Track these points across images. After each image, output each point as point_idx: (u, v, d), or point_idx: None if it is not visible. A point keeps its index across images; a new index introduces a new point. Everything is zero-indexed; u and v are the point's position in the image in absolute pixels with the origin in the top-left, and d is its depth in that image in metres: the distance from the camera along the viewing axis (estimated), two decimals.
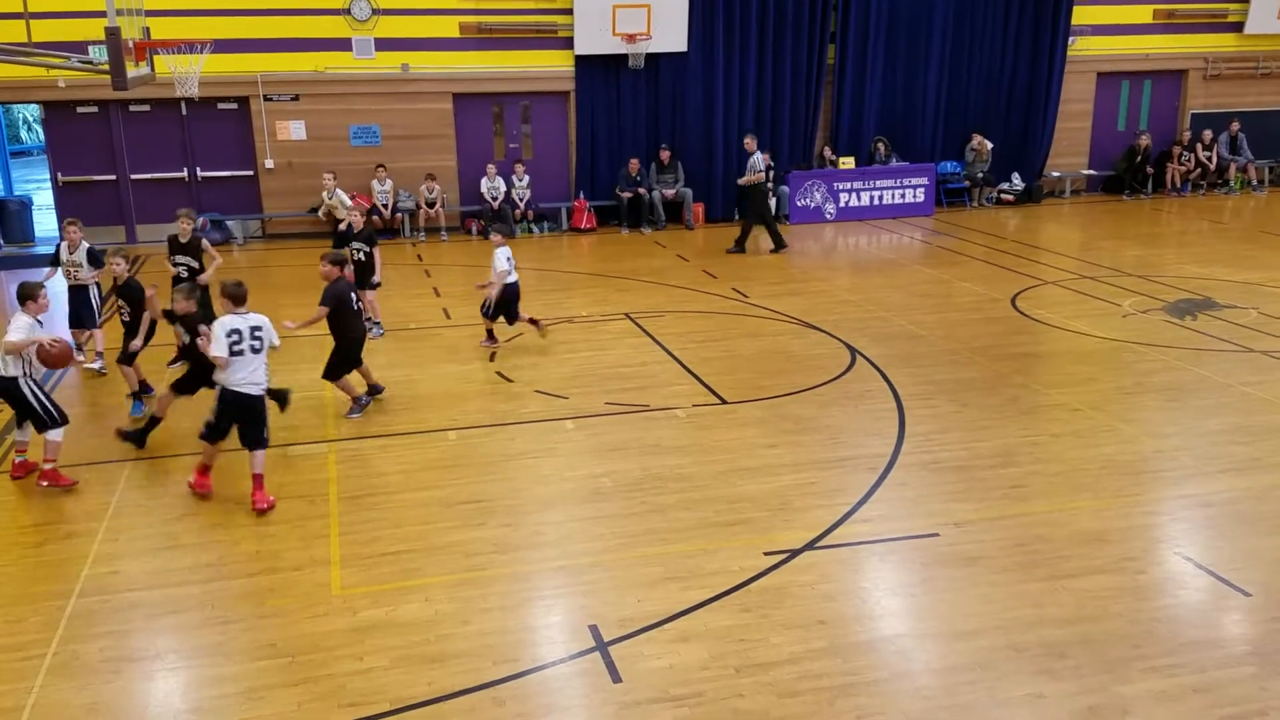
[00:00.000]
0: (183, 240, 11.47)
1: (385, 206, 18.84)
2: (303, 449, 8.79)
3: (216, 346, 7.54)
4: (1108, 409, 9.60)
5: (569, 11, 18.85)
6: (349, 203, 16.18)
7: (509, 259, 11.40)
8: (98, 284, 11.54)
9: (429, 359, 11.54)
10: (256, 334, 7.64)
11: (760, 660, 5.78)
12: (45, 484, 8.20)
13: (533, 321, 11.76)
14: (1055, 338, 11.94)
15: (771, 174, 18.30)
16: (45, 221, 19.67)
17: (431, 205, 18.86)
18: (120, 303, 10.25)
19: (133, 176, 18.53)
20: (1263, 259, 15.76)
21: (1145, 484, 8.08)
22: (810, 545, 7.11)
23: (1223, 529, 7.30)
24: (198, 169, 18.76)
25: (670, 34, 19.08)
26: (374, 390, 9.97)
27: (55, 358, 8.08)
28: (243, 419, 7.78)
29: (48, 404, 8.14)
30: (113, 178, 18.48)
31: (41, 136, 21.00)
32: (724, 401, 9.99)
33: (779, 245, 17.06)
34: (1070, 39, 21.27)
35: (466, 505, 7.80)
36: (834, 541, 7.17)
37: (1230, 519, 7.43)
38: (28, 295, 8.10)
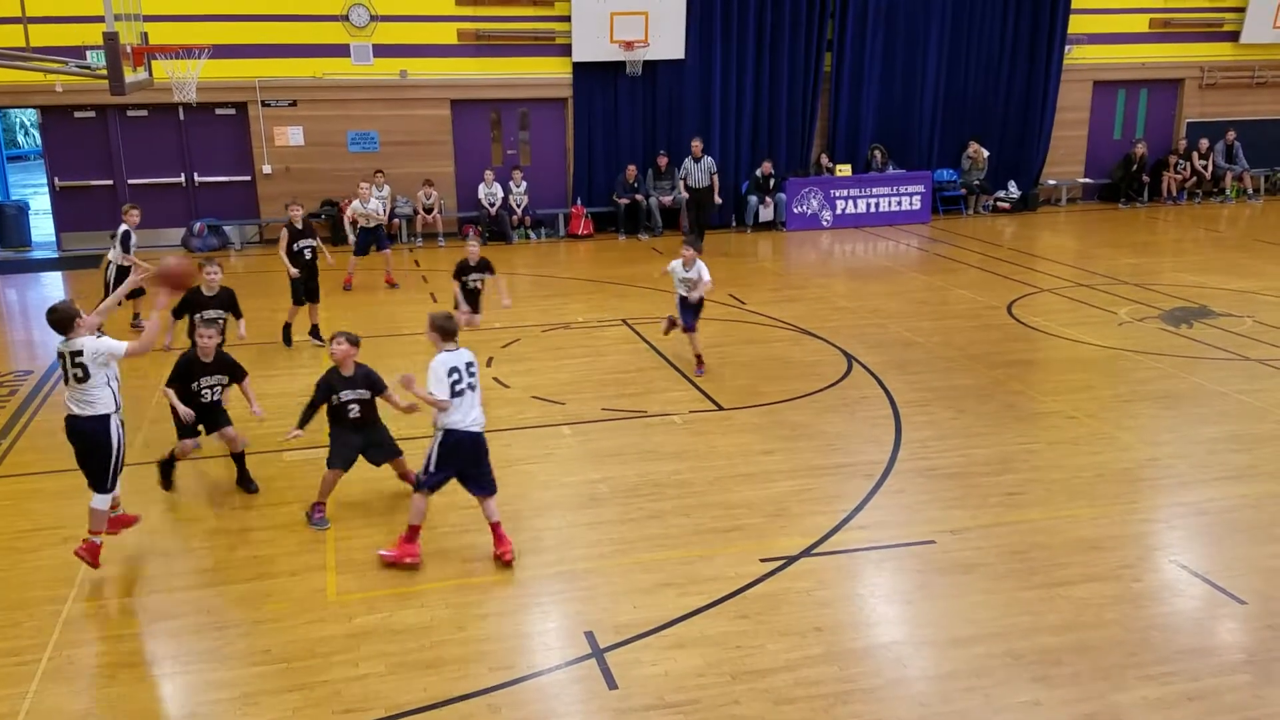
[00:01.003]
0: (298, 226, 12.39)
1: (380, 213, 18.81)
2: (299, 455, 8.77)
3: (438, 389, 6.69)
4: (1104, 416, 9.61)
5: (567, 19, 18.89)
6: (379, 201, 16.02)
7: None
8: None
9: (426, 365, 11.50)
10: (471, 369, 6.87)
11: (756, 667, 5.78)
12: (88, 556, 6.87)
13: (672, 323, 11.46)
14: (1051, 345, 11.95)
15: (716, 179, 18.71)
16: (42, 226, 19.66)
17: (429, 211, 18.87)
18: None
19: (130, 181, 18.52)
20: (1258, 268, 15.79)
21: (1141, 491, 8.09)
22: (807, 552, 7.11)
23: (1218, 537, 7.31)
24: (195, 174, 18.76)
25: (668, 41, 19.11)
26: None
27: (179, 275, 7.24)
28: (469, 462, 6.93)
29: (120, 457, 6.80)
30: (110, 182, 18.47)
31: (39, 141, 20.98)
32: (721, 408, 9.99)
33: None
34: (1066, 48, 21.33)
35: (463, 511, 7.78)
36: (831, 548, 7.17)
37: (1226, 527, 7.44)
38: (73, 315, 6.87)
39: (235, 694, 5.62)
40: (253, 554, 7.20)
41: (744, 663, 5.82)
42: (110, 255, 12.41)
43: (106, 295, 11.38)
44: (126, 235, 12.43)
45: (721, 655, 5.89)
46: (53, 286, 16.36)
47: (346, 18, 18.40)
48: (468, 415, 6.79)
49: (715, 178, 18.59)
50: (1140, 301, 13.81)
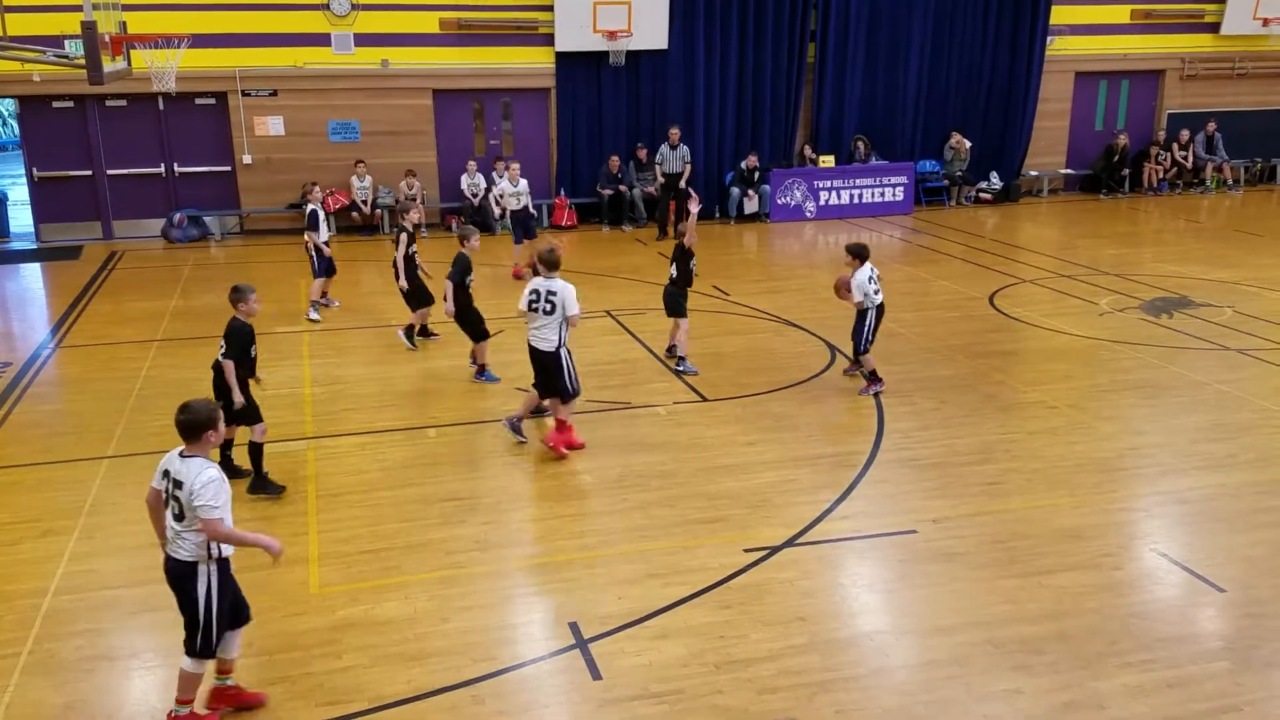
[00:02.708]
0: (410, 230, 11.87)
1: (365, 203, 18.77)
2: (281, 446, 8.73)
3: (522, 300, 8.48)
4: (1085, 406, 9.66)
5: (549, 8, 18.81)
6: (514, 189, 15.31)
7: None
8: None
9: (409, 356, 11.49)
10: (550, 298, 8.30)
11: (740, 657, 5.79)
12: None
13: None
14: (1033, 336, 12.01)
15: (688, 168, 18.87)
16: (20, 217, 19.47)
17: (411, 201, 18.77)
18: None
19: (109, 172, 18.37)
20: (1238, 258, 15.90)
21: (1122, 481, 8.14)
22: (790, 542, 7.13)
23: (1198, 525, 7.37)
24: (175, 164, 18.62)
25: (651, 31, 19.07)
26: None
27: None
28: (537, 368, 8.68)
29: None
30: (89, 173, 18.31)
31: (17, 131, 20.76)
32: (705, 399, 10.00)
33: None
34: (1049, 39, 21.39)
35: (446, 503, 7.78)
36: (814, 538, 7.19)
37: (1206, 515, 7.49)
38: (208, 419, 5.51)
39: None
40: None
41: (727, 652, 5.83)
42: (306, 237, 13.11)
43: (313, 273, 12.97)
44: (314, 215, 12.79)
45: (705, 645, 5.91)
46: (31, 278, 16.23)
47: (327, 6, 18.27)
48: (532, 328, 8.49)
49: (688, 167, 18.74)
50: (1121, 292, 13.89)
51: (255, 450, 7.88)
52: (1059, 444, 8.80)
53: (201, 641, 5.19)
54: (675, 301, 10.67)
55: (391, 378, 10.74)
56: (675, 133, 18.70)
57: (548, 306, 8.32)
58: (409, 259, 11.51)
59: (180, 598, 5.21)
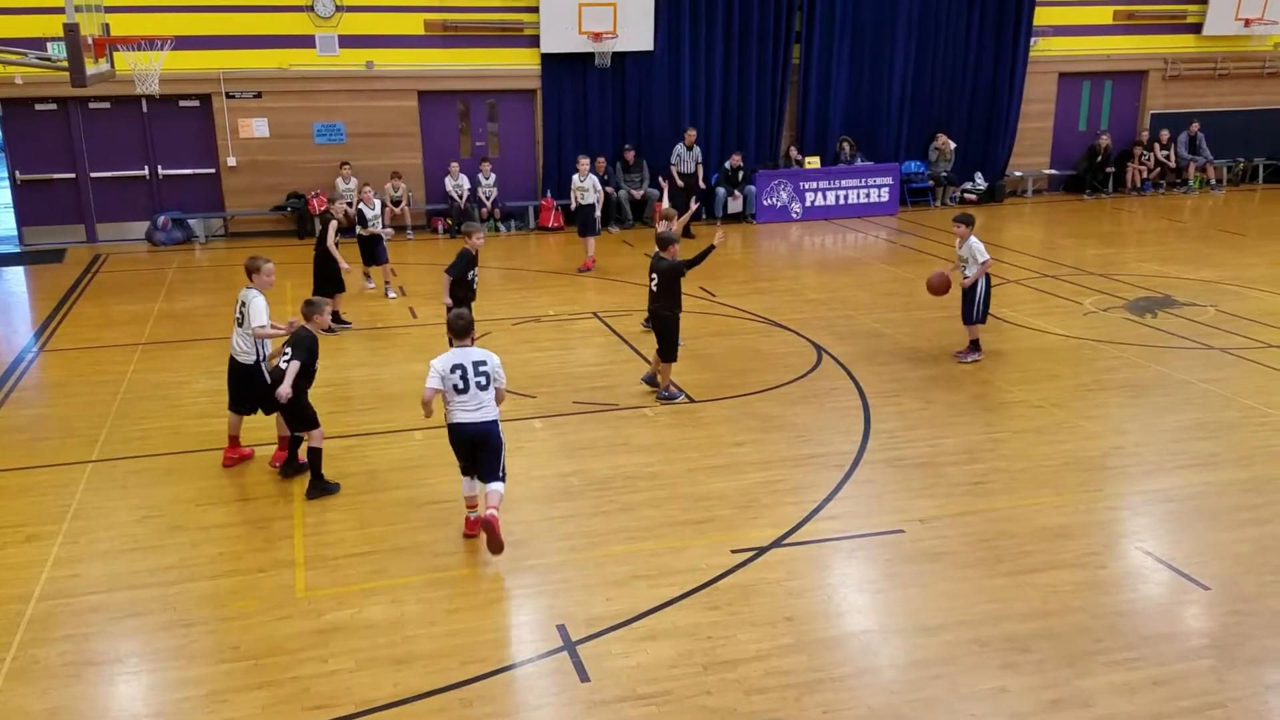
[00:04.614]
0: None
1: (350, 205, 18.67)
2: (267, 450, 8.69)
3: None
4: (1070, 406, 9.71)
5: (535, 10, 18.79)
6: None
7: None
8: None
9: (395, 358, 11.47)
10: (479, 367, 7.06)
11: (728, 658, 5.80)
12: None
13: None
14: (1017, 335, 12.05)
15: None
16: (3, 220, 19.35)
17: (397, 204, 18.74)
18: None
19: (93, 175, 18.25)
20: (1220, 258, 16.00)
21: (1107, 479, 8.18)
22: (777, 542, 7.14)
23: (1183, 524, 7.41)
24: (159, 167, 18.52)
25: (636, 33, 19.07)
26: None
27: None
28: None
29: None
30: (72, 176, 18.19)
31: None
32: (692, 400, 10.00)
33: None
34: (1032, 40, 21.48)
35: (433, 505, 7.76)
36: (801, 539, 7.20)
37: (1190, 514, 7.54)
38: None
39: (203, 692, 5.57)
40: (219, 551, 7.13)
41: (715, 653, 5.84)
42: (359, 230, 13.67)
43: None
44: (360, 212, 13.34)
45: (693, 646, 5.91)
46: (14, 281, 16.12)
47: (311, 8, 18.21)
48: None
49: (700, 167, 19.05)
50: (1105, 291, 13.95)
51: (314, 455, 8.00)
52: (1044, 443, 8.83)
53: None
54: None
55: (378, 379, 10.71)
56: (692, 133, 18.91)
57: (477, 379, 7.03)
58: (336, 246, 12.26)
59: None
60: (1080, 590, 6.48)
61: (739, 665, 5.73)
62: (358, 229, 13.66)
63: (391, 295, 14.08)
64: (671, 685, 5.57)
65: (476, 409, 6.86)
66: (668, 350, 9.86)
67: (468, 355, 6.88)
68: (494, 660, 5.85)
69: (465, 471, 7.15)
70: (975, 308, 10.87)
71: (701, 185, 19.13)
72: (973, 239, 10.74)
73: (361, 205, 13.78)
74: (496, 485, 6.97)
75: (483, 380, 6.87)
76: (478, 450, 6.97)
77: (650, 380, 10.19)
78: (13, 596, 6.55)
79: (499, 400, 6.99)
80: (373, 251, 13.96)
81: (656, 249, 9.89)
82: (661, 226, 11.20)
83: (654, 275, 9.87)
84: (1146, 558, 6.91)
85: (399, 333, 12.46)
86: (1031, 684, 5.55)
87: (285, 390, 7.60)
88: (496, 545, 6.73)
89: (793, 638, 6.00)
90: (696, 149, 18.98)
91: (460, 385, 6.83)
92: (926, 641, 5.96)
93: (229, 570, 6.88)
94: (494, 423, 6.94)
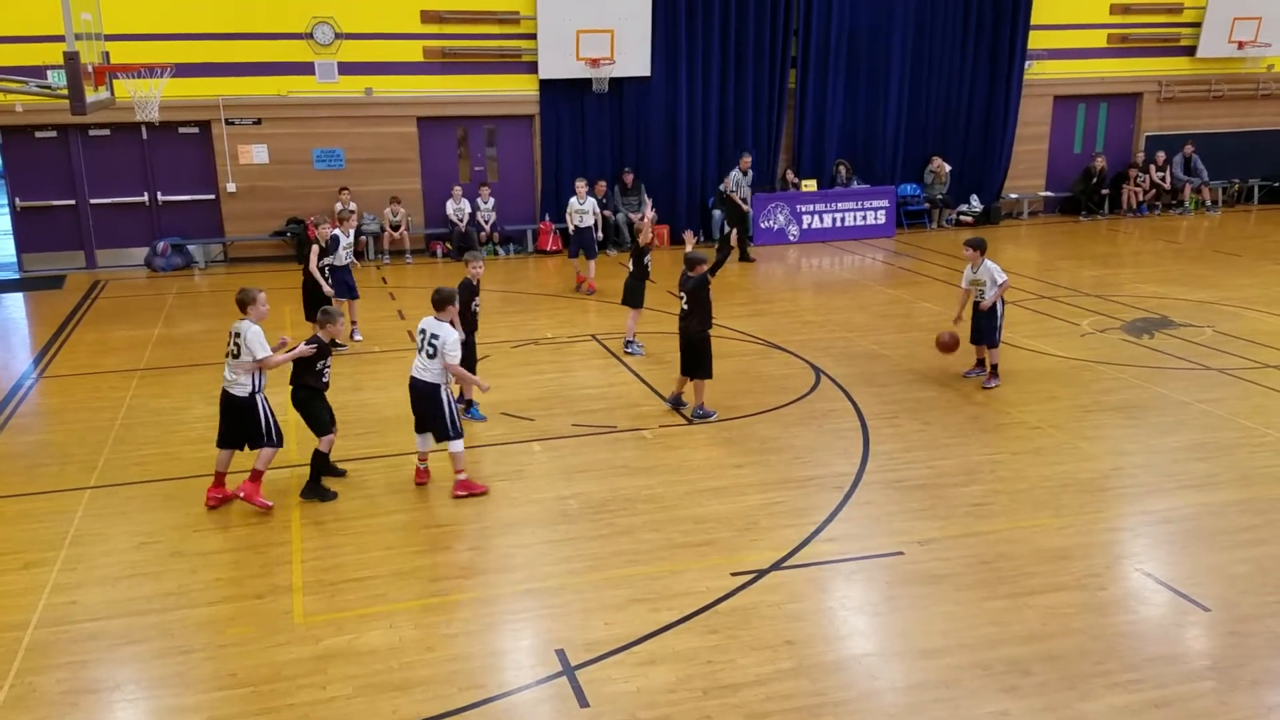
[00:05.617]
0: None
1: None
2: (266, 475, 8.67)
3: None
4: (1068, 427, 9.71)
5: (533, 36, 18.92)
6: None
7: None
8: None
9: (393, 382, 11.45)
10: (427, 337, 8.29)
11: (728, 682, 5.78)
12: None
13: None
14: (1015, 357, 12.06)
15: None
16: (3, 246, 19.40)
17: (396, 228, 18.81)
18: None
19: (92, 201, 18.32)
20: (1217, 278, 16.04)
21: (1106, 501, 8.17)
22: (777, 565, 7.12)
23: (1182, 545, 7.40)
24: (158, 193, 18.59)
25: (633, 58, 19.19)
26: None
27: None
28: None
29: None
30: (72, 202, 18.25)
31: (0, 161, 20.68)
32: (690, 422, 10.00)
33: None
34: (1027, 63, 21.63)
35: (432, 529, 7.75)
36: (801, 561, 7.19)
37: (1190, 535, 7.53)
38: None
39: (200, 719, 5.55)
40: (216, 576, 7.12)
41: (715, 678, 5.81)
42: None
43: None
44: (334, 239, 12.76)
45: (693, 671, 5.89)
46: (14, 308, 16.14)
47: (311, 35, 18.33)
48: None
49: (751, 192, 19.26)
50: (1102, 313, 13.98)
51: (319, 458, 8.37)
52: (1043, 465, 8.83)
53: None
54: (633, 293, 12.20)
55: (374, 404, 10.71)
56: (747, 159, 18.90)
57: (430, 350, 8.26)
58: (320, 270, 12.26)
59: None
60: (1081, 612, 6.46)
61: (740, 690, 5.71)
62: (327, 259, 12.62)
63: (357, 338, 13.14)
64: (672, 710, 5.54)
65: (422, 370, 8.25)
66: (704, 368, 9.98)
67: (430, 325, 8.25)
68: (493, 686, 5.83)
69: (417, 428, 8.47)
70: (997, 329, 10.89)
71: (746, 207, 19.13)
72: (988, 261, 10.87)
73: (336, 231, 12.89)
74: (452, 444, 8.24)
75: (431, 350, 8.18)
76: (419, 404, 8.32)
77: (676, 401, 10.31)
78: (10, 624, 6.53)
79: (452, 373, 8.24)
80: (344, 282, 12.91)
81: (684, 269, 10.02)
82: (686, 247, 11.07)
83: (682, 295, 10.00)
84: (1146, 579, 6.90)
85: (396, 357, 12.46)
86: (1033, 707, 5.53)
87: (303, 349, 8.18)
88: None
89: (793, 661, 5.98)
90: (751, 173, 19.02)
91: (419, 346, 8.29)
92: (927, 665, 5.94)
93: (227, 596, 6.86)
94: (435, 385, 8.22)
